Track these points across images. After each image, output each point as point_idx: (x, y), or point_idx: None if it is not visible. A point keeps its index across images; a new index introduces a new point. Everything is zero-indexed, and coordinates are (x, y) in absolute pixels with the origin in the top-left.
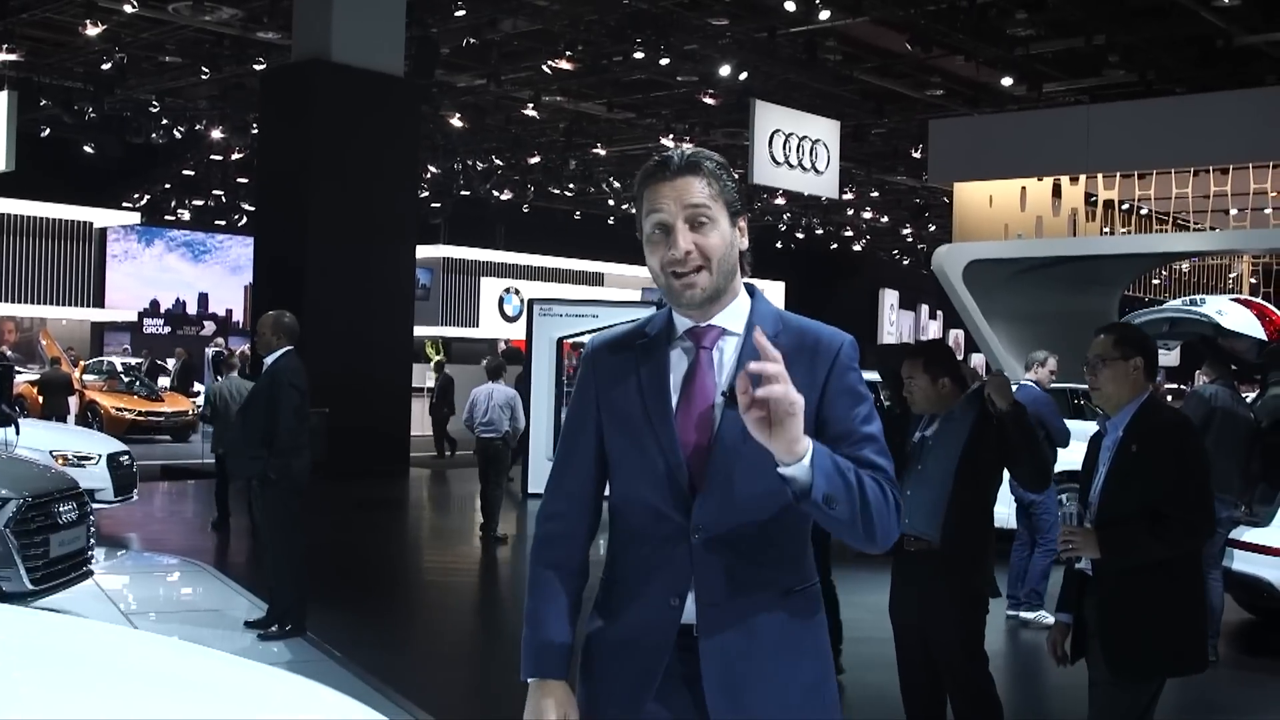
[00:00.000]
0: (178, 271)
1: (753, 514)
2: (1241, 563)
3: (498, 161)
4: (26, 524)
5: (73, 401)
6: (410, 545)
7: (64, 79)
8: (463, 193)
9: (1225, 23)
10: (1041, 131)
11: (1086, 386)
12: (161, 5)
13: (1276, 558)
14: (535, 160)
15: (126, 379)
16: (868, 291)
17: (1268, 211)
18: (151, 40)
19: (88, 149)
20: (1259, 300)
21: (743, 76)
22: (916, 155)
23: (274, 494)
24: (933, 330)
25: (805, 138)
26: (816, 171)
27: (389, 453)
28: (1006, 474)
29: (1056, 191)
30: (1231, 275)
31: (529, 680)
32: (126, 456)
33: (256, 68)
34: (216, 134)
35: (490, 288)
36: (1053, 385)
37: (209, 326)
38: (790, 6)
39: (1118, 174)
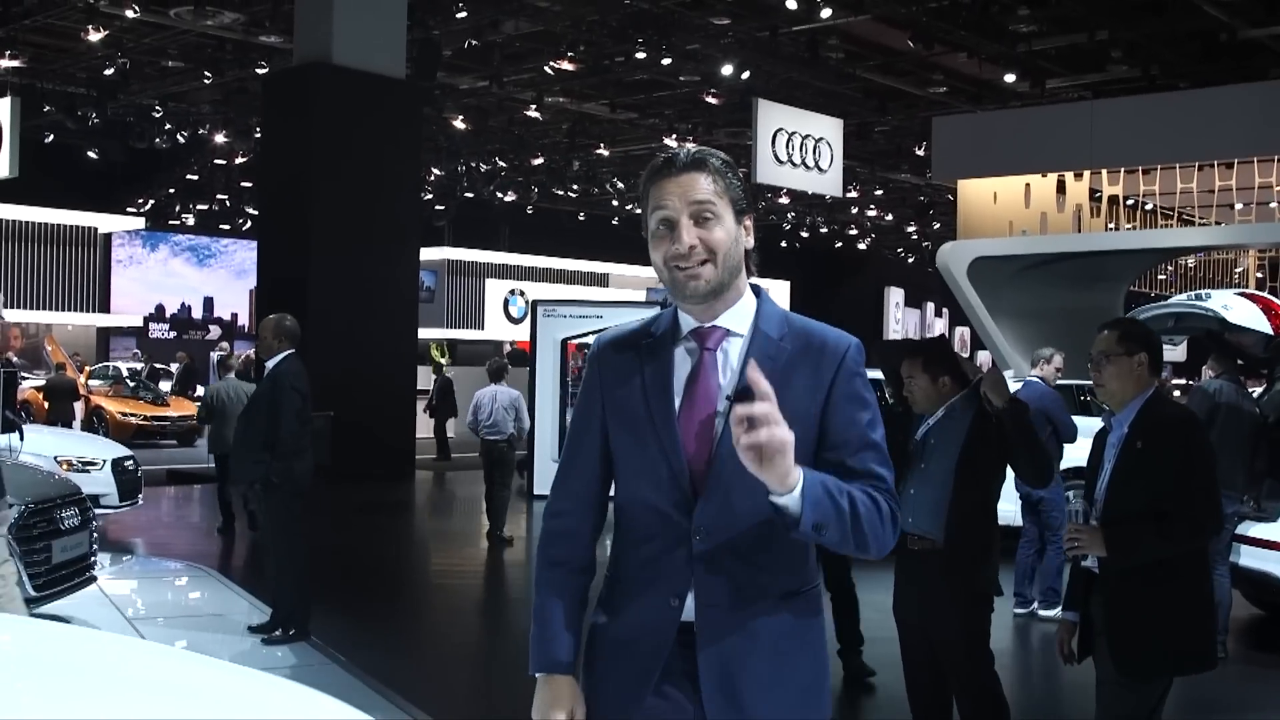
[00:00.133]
0: (182, 276)
1: (754, 518)
2: (1249, 558)
3: (501, 163)
4: (28, 530)
5: (78, 407)
6: (415, 548)
7: (67, 85)
8: (466, 195)
9: (1229, 17)
10: (1045, 128)
11: (1092, 383)
12: (163, 10)
13: None
14: (539, 161)
15: (132, 384)
16: (873, 290)
17: (1273, 205)
18: (154, 45)
19: (91, 154)
20: (1265, 295)
21: (745, 76)
22: (920, 153)
23: (276, 498)
24: (938, 328)
25: (808, 136)
26: (820, 170)
27: (393, 456)
28: (1011, 471)
29: (1061, 188)
30: (1237, 270)
31: (536, 675)
32: (131, 461)
33: (259, 71)
34: (220, 138)
35: (495, 289)
36: (1059, 382)
37: (214, 331)
38: (792, 5)
39: (1122, 170)
